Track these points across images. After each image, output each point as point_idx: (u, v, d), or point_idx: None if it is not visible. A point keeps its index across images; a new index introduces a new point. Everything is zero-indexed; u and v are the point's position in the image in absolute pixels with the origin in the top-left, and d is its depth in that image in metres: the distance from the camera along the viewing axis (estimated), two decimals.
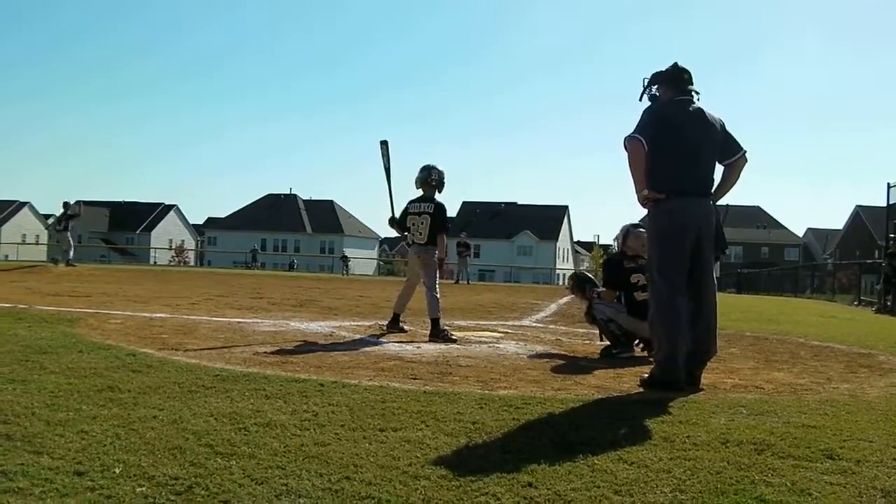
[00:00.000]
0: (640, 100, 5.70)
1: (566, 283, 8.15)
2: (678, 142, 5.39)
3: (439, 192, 8.63)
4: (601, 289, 7.65)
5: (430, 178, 8.55)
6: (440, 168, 8.61)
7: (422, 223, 8.46)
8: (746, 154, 5.65)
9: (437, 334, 7.95)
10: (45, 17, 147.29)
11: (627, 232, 7.55)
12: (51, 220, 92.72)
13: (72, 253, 24.59)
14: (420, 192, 8.64)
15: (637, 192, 5.41)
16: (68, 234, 24.50)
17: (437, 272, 8.53)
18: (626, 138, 5.43)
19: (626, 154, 5.45)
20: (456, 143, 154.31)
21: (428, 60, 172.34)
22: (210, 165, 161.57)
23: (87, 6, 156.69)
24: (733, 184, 5.69)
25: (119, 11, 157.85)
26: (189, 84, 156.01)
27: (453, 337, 7.96)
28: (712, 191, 5.58)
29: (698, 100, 5.57)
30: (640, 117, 5.49)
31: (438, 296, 8.36)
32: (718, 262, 5.93)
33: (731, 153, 5.61)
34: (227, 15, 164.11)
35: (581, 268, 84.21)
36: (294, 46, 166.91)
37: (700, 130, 5.47)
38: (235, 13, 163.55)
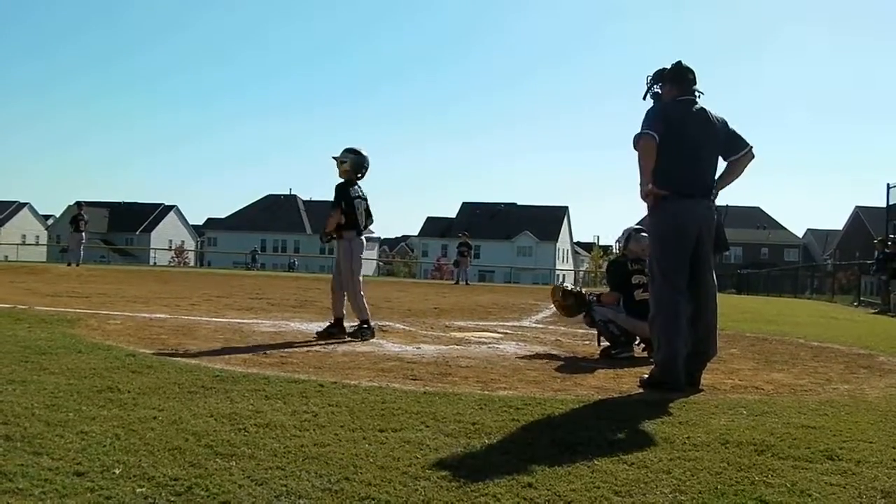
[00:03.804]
0: (644, 98, 5.70)
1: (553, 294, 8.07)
2: (680, 142, 5.38)
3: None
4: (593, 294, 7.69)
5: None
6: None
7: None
8: (753, 150, 5.63)
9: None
10: (37, 16, 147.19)
11: (629, 236, 7.58)
12: (51, 222, 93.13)
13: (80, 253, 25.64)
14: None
15: (642, 185, 5.37)
16: (83, 234, 25.21)
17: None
18: (636, 136, 5.39)
19: (632, 154, 5.43)
20: (456, 142, 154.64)
21: (428, 57, 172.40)
22: (210, 166, 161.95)
23: (80, 1, 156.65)
24: (737, 177, 5.67)
25: (114, 7, 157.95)
26: (188, 82, 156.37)
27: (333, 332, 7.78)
28: (714, 191, 5.58)
29: (699, 97, 5.56)
30: (643, 117, 5.48)
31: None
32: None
33: (737, 149, 5.60)
34: (228, 7, 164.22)
35: (581, 268, 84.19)
36: (292, 43, 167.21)
37: (702, 131, 5.46)
38: (235, 9, 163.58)
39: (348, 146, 8.14)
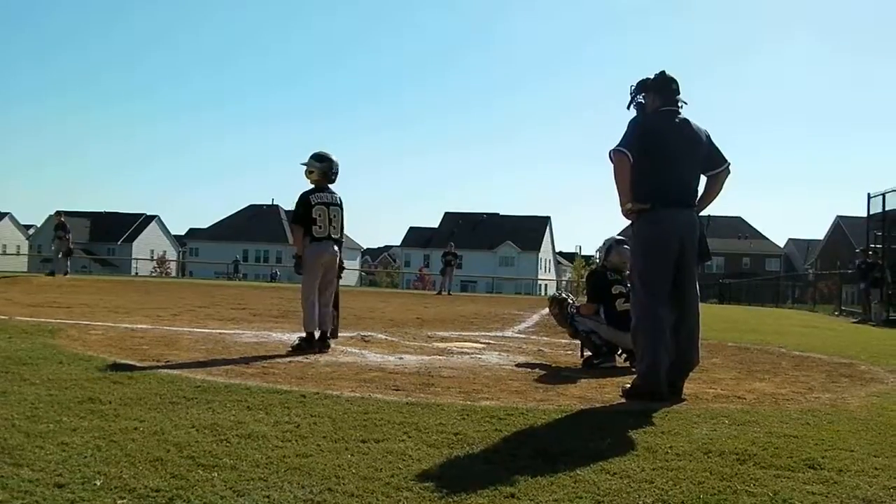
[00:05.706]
0: (628, 108, 5.72)
1: (550, 305, 8.00)
2: (663, 153, 5.41)
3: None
4: (575, 303, 7.70)
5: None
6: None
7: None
8: (730, 166, 5.69)
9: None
10: (23, 26, 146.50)
11: (611, 247, 7.55)
12: (31, 231, 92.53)
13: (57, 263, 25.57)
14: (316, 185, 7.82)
15: (621, 204, 5.42)
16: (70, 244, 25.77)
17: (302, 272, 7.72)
18: (611, 151, 5.45)
19: (611, 166, 5.47)
20: (438, 152, 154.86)
21: (410, 70, 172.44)
22: (191, 176, 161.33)
23: (65, 16, 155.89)
24: (716, 195, 5.73)
25: (99, 20, 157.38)
26: (169, 94, 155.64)
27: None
28: (696, 201, 5.61)
29: (682, 107, 5.59)
30: (625, 129, 5.51)
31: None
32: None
33: (716, 165, 5.65)
34: (206, 23, 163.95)
35: (563, 278, 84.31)
36: (274, 57, 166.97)
37: (685, 142, 5.49)
38: (214, 25, 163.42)
39: (316, 152, 7.77)
